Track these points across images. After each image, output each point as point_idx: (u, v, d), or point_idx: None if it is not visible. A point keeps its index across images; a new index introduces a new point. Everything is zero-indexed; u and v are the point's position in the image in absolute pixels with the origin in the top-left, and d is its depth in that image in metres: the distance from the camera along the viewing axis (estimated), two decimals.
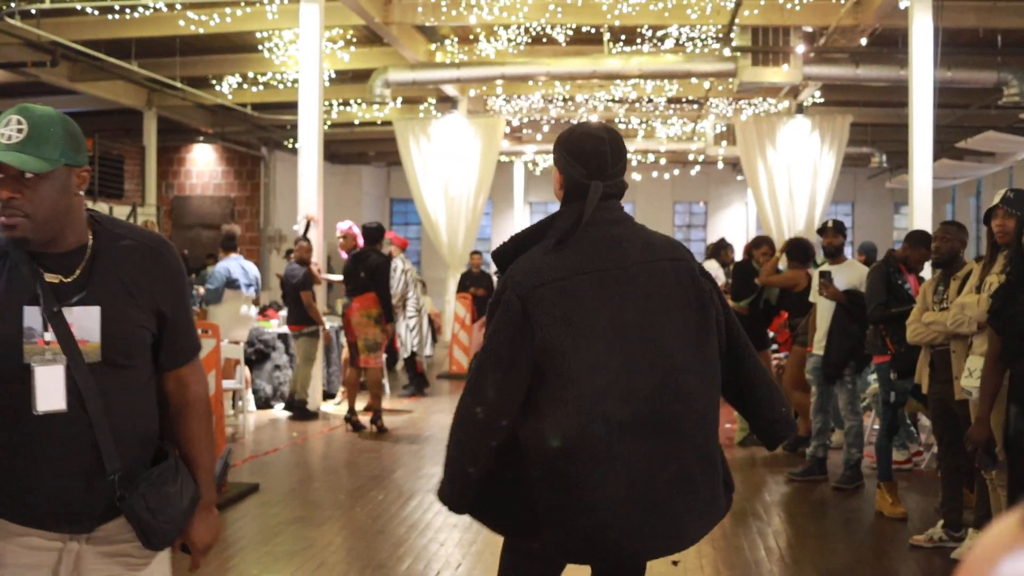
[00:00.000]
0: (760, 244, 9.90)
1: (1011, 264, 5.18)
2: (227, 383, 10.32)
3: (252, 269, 11.37)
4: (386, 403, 12.27)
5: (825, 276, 7.76)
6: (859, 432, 7.79)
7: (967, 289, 5.73)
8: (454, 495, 3.03)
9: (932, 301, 6.18)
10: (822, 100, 17.58)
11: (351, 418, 10.39)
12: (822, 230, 8.17)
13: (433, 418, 11.28)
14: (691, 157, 24.22)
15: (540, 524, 2.93)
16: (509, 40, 14.76)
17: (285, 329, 11.61)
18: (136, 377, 2.54)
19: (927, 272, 7.89)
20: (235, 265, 11.12)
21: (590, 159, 2.98)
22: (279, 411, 11.36)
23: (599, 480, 2.82)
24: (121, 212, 17.81)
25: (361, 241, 10.78)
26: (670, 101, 18.73)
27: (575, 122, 20.35)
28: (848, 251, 18.74)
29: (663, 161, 24.93)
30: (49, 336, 2.41)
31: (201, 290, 11.55)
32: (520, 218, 28.40)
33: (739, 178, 24.95)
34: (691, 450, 2.91)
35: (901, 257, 7.24)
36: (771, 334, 10.25)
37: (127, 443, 2.48)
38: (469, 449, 2.96)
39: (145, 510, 2.48)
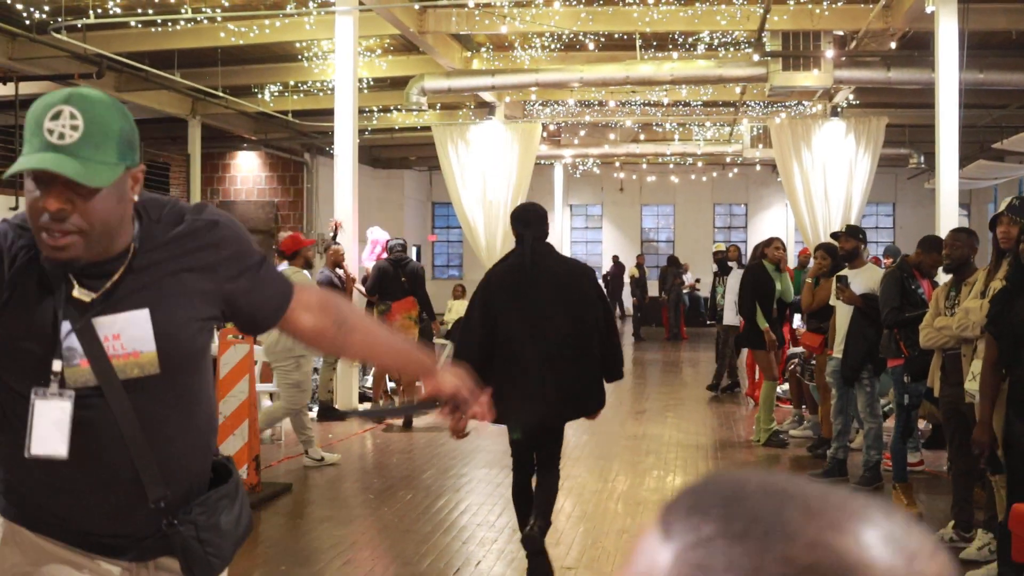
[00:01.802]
0: (771, 243, 10.16)
1: (1009, 271, 5.32)
2: (265, 386, 10.63)
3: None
4: None
5: (841, 281, 7.87)
6: (878, 434, 7.88)
7: (972, 294, 5.85)
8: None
9: (944, 306, 6.29)
10: (857, 102, 17.60)
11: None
12: (836, 235, 8.28)
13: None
14: (728, 160, 24.28)
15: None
16: (543, 47, 14.97)
17: None
18: (195, 384, 2.26)
19: (942, 278, 7.99)
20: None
21: (519, 222, 5.47)
22: (314, 413, 11.64)
23: (515, 385, 5.17)
24: None
25: (379, 250, 11.35)
26: (706, 104, 18.84)
27: (612, 125, 20.60)
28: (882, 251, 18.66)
29: (700, 164, 24.98)
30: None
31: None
32: (560, 220, 28.50)
33: (779, 179, 24.94)
34: (565, 373, 5.26)
35: (915, 262, 7.34)
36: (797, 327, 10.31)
37: (177, 465, 2.21)
38: (461, 357, 5.27)
39: (195, 540, 2.21)
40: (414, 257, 29.66)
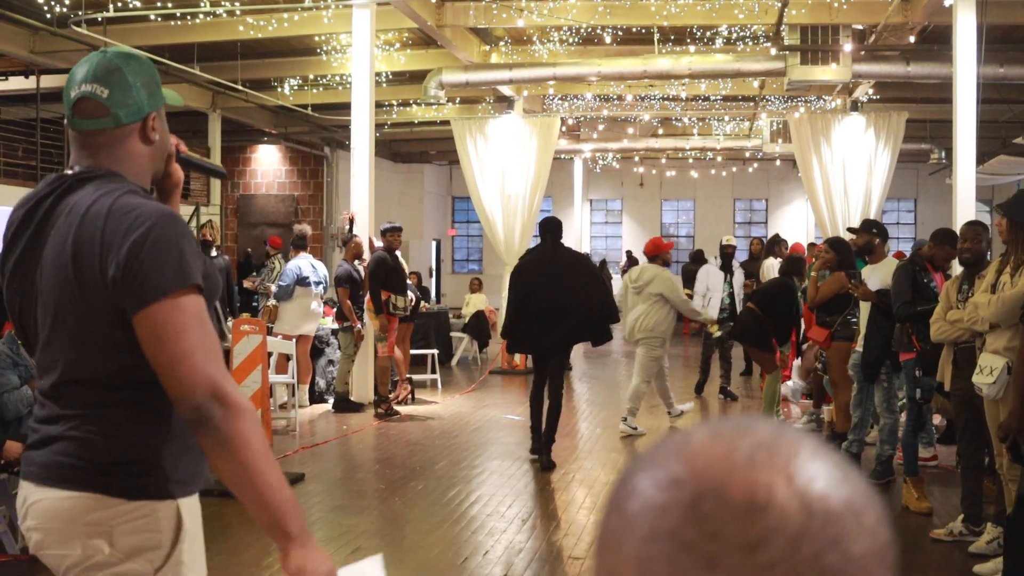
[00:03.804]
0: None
1: None
2: (280, 377, 10.70)
3: (321, 267, 11.79)
4: (436, 397, 12.59)
5: (855, 276, 7.84)
6: (893, 429, 7.84)
7: (983, 288, 5.83)
8: (509, 340, 9.08)
9: (957, 299, 6.25)
10: (877, 97, 17.50)
11: (383, 403, 10.96)
12: (853, 230, 8.24)
13: (481, 412, 11.54)
14: (748, 154, 24.21)
15: (516, 341, 9.04)
16: (561, 41, 14.97)
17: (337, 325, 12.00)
18: None
19: (956, 271, 7.94)
20: (305, 263, 11.53)
21: (543, 228, 8.78)
22: (331, 404, 11.70)
23: (531, 325, 8.48)
24: (185, 212, 18.34)
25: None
26: (725, 99, 18.79)
27: (630, 120, 20.57)
28: (909, 248, 18.54)
29: (720, 159, 24.88)
30: None
31: (273, 287, 11.93)
32: (580, 215, 28.48)
33: (799, 174, 24.85)
34: (565, 320, 8.34)
35: (927, 256, 7.30)
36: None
37: None
38: (508, 321, 8.78)
39: None
40: (433, 251, 29.74)
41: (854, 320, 8.54)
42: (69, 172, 2.23)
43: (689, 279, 23.01)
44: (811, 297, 9.15)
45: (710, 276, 12.47)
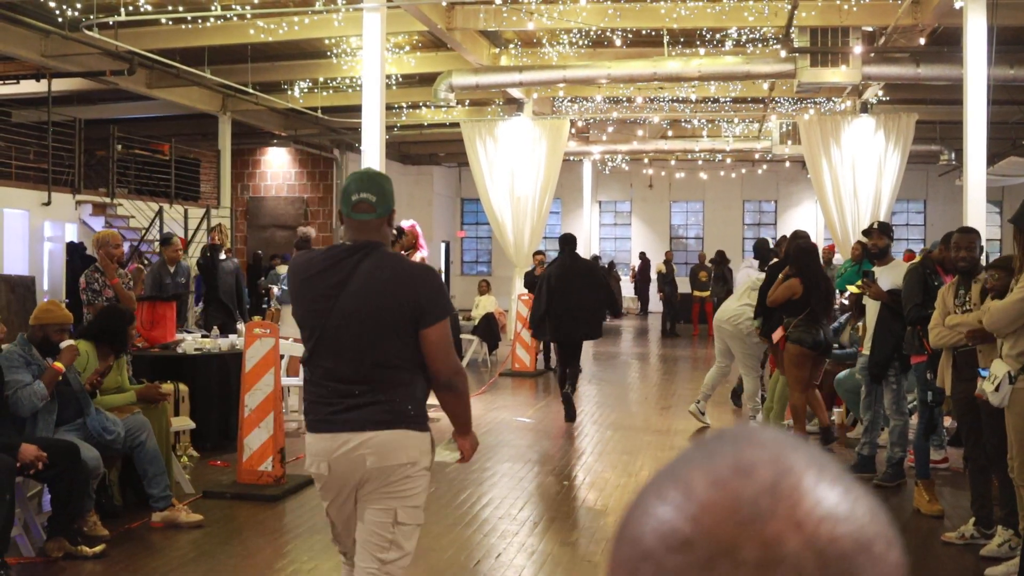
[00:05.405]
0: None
1: None
2: (292, 380, 10.72)
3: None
4: None
5: (868, 276, 7.84)
6: (903, 431, 7.84)
7: (976, 294, 5.84)
8: (535, 329, 11.83)
9: (954, 304, 6.24)
10: (887, 98, 17.49)
11: None
12: (868, 231, 8.24)
13: (491, 414, 11.56)
14: (757, 156, 24.19)
15: (542, 331, 11.62)
16: (571, 43, 14.99)
17: None
18: None
19: None
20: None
21: (563, 241, 11.52)
22: None
23: (558, 320, 10.94)
24: (196, 214, 18.39)
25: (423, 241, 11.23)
26: (734, 101, 18.80)
27: (640, 122, 20.58)
28: (918, 249, 18.53)
29: (729, 160, 24.85)
30: None
31: (275, 290, 11.90)
32: (589, 217, 28.49)
33: (808, 176, 24.82)
34: (584, 317, 10.96)
35: (938, 258, 7.30)
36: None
37: None
38: (534, 316, 11.53)
39: None
40: (442, 253, 29.77)
41: (815, 327, 8.58)
42: (349, 244, 3.55)
43: (697, 280, 23.08)
44: (770, 298, 9.09)
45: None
